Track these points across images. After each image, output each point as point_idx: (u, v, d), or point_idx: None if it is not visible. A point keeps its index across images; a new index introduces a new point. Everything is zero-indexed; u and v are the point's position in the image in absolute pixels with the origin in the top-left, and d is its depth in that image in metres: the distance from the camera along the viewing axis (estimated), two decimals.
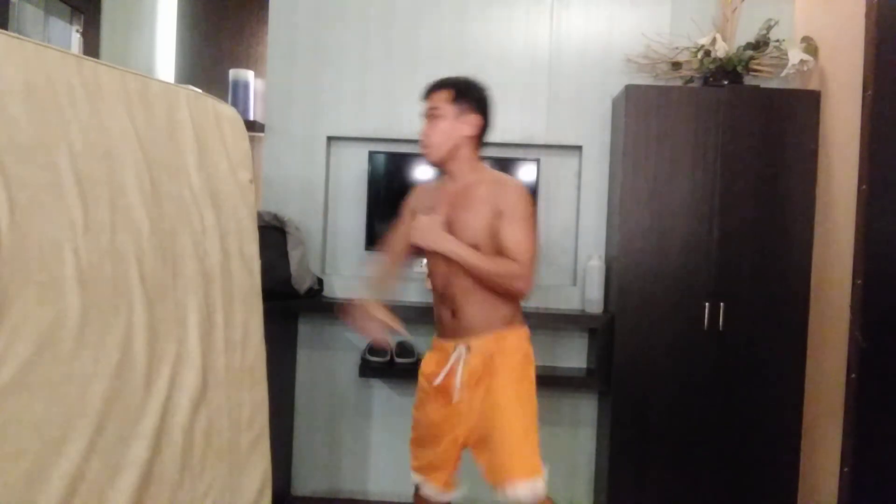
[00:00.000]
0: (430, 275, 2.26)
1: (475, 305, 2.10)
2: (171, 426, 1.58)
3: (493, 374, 2.09)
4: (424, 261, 3.28)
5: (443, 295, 2.18)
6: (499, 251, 2.03)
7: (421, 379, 2.25)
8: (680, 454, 2.93)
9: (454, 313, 2.14)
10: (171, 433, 1.58)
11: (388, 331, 2.18)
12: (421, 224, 2.09)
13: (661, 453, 2.95)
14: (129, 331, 1.46)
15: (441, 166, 2.18)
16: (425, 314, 3.17)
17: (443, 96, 2.11)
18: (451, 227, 2.08)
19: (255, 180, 3.27)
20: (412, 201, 2.35)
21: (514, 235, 2.01)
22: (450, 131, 2.11)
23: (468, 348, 2.10)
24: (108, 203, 1.42)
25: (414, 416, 2.28)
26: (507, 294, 2.08)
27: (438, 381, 2.12)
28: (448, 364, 2.11)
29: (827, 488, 2.77)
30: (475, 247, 2.04)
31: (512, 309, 2.15)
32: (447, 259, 2.08)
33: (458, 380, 2.09)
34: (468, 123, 2.12)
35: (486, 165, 2.24)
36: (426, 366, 2.23)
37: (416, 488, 2.30)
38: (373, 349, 3.16)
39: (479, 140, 2.18)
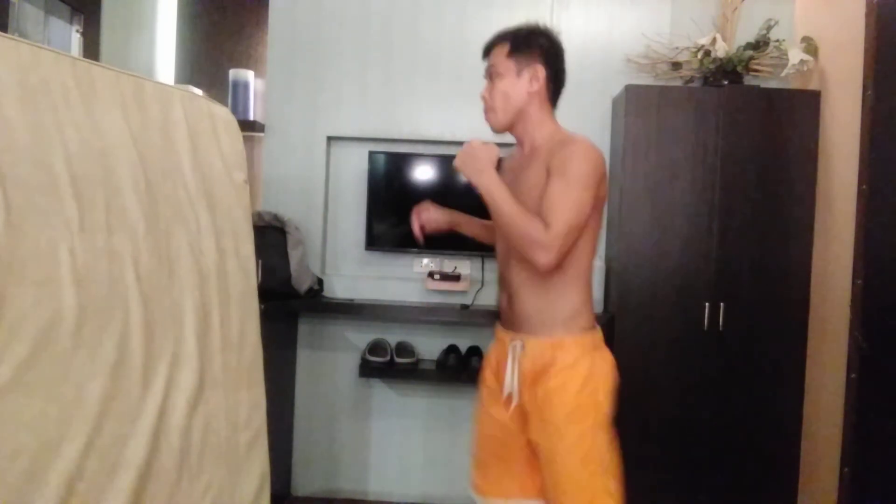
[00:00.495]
0: (496, 253, 1.99)
1: (531, 297, 1.80)
2: (168, 426, 1.58)
3: (547, 398, 1.76)
4: (425, 260, 3.31)
5: (502, 277, 1.91)
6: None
7: (486, 373, 1.96)
8: (680, 454, 2.93)
9: (509, 299, 1.86)
10: (169, 433, 1.58)
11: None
12: (470, 147, 1.77)
13: (661, 453, 2.94)
14: (125, 330, 1.46)
15: (508, 131, 1.89)
16: (425, 314, 3.18)
17: (500, 51, 1.85)
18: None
19: (255, 180, 3.31)
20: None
21: (553, 196, 1.67)
22: (510, 90, 1.82)
23: (523, 346, 1.80)
24: (104, 203, 1.43)
25: (477, 418, 1.98)
26: (564, 283, 1.78)
27: (508, 386, 1.81)
28: (508, 363, 1.82)
29: (827, 488, 2.77)
30: None
31: (578, 305, 1.81)
32: (505, 240, 1.83)
33: (515, 380, 1.80)
34: (531, 77, 1.82)
35: (559, 125, 1.89)
36: (490, 359, 1.96)
37: None
38: (373, 349, 3.16)
39: (550, 94, 1.87)
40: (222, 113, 1.82)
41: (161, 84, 1.67)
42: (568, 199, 1.67)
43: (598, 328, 1.89)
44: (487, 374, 1.96)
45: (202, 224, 1.69)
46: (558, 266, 1.71)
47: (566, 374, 1.76)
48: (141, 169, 1.53)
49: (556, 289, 1.78)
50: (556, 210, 1.66)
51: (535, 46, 1.86)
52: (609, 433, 1.80)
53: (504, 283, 1.90)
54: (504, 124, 1.88)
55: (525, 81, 1.83)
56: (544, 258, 1.65)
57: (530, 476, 1.86)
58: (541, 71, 1.84)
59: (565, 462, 1.74)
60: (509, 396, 1.82)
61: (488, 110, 1.88)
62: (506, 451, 1.88)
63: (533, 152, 1.84)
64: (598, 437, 1.78)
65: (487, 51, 1.90)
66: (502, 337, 1.90)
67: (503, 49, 1.85)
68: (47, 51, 1.36)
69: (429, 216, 2.09)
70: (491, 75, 1.87)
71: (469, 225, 2.18)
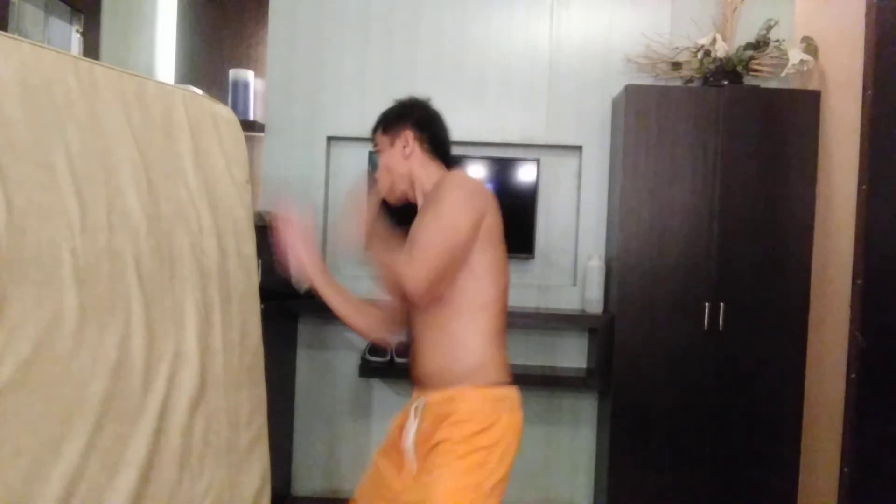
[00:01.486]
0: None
1: (431, 348, 1.72)
2: (169, 426, 1.58)
3: (430, 456, 1.64)
4: None
5: (408, 332, 1.84)
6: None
7: (391, 426, 1.89)
8: (680, 454, 2.93)
9: (414, 355, 1.78)
10: (170, 433, 1.58)
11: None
12: (293, 259, 1.79)
13: (661, 453, 2.95)
14: (126, 330, 1.46)
15: (407, 197, 1.90)
16: None
17: (377, 133, 1.90)
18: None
19: (255, 180, 3.30)
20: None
21: (422, 230, 1.68)
22: (389, 162, 1.87)
23: (425, 404, 1.71)
24: (106, 203, 1.43)
25: (373, 459, 1.89)
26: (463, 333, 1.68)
27: (406, 445, 1.71)
28: (409, 420, 1.73)
29: (827, 488, 2.77)
30: None
31: (478, 358, 1.68)
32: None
33: (408, 441, 1.70)
34: (403, 143, 1.85)
35: (446, 171, 1.88)
36: (401, 413, 1.87)
37: None
38: (373, 349, 3.16)
39: (430, 150, 1.87)
40: (224, 112, 1.82)
41: (163, 84, 1.67)
42: (435, 225, 1.66)
43: (513, 388, 1.71)
44: (394, 425, 1.86)
45: (204, 224, 1.69)
46: (451, 311, 1.67)
47: (459, 425, 1.62)
48: (143, 168, 1.53)
49: (455, 337, 1.69)
50: (422, 239, 1.65)
51: (402, 118, 1.88)
52: (488, 481, 1.59)
53: (409, 338, 1.82)
54: (398, 194, 1.89)
55: (399, 149, 1.86)
56: (412, 284, 1.57)
57: None
58: (408, 134, 1.85)
59: (441, 499, 1.57)
60: (406, 458, 1.72)
61: (381, 190, 1.89)
62: (380, 495, 1.79)
63: (427, 200, 1.82)
64: (479, 482, 1.58)
65: (373, 141, 1.94)
66: (411, 392, 1.85)
67: (378, 130, 1.91)
68: (49, 50, 1.36)
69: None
70: (379, 158, 1.91)
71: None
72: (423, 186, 1.85)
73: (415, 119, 1.88)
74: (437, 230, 1.64)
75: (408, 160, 1.85)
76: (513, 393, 1.70)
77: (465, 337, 1.69)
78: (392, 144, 1.87)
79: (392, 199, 1.90)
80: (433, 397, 1.69)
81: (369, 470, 1.87)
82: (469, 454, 1.58)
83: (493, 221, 1.72)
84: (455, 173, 1.81)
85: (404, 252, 1.67)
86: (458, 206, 1.67)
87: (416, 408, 1.72)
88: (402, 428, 1.76)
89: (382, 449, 1.86)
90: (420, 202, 1.87)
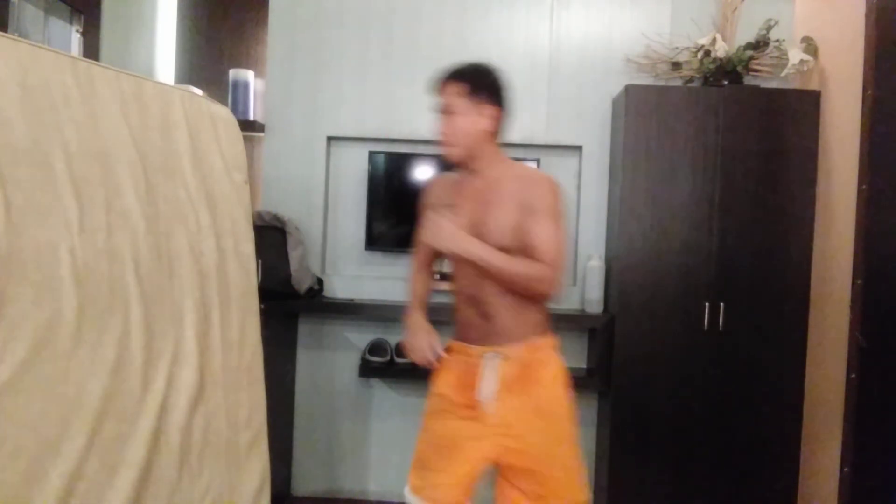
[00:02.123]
0: (455, 277, 2.08)
1: (508, 311, 1.94)
2: (168, 425, 1.58)
3: (535, 390, 1.93)
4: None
5: (471, 298, 2.00)
6: (525, 250, 1.87)
7: (441, 385, 2.04)
8: (680, 454, 2.93)
9: (485, 318, 1.97)
10: (169, 432, 1.58)
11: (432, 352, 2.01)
12: (434, 224, 1.90)
13: (661, 453, 2.94)
14: (125, 330, 1.46)
15: (463, 164, 2.02)
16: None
17: (456, 90, 1.96)
18: (477, 228, 1.92)
19: (255, 180, 3.30)
20: (431, 197, 2.14)
21: (541, 234, 1.86)
22: (468, 128, 1.94)
23: (502, 356, 1.93)
24: (104, 203, 1.43)
25: (426, 426, 2.05)
26: (532, 297, 1.92)
27: (484, 395, 1.92)
28: (482, 373, 1.93)
29: (827, 488, 2.77)
30: (503, 248, 1.87)
31: (543, 315, 2.00)
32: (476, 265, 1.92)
33: (488, 390, 1.92)
34: (486, 117, 1.95)
35: (508, 157, 2.06)
36: (448, 373, 2.03)
37: None
38: (373, 349, 3.16)
39: (499, 130, 2.01)
40: (222, 113, 1.82)
41: (161, 84, 1.67)
42: (555, 234, 1.87)
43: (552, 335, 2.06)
44: (444, 389, 2.02)
45: (202, 224, 1.69)
46: None
47: (549, 366, 1.98)
48: (141, 169, 1.53)
49: (527, 302, 1.94)
50: (548, 245, 1.85)
51: (489, 87, 1.98)
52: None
53: (475, 299, 1.99)
54: (460, 157, 1.99)
55: (481, 120, 1.95)
56: (548, 288, 1.86)
57: (465, 483, 1.96)
58: (494, 111, 1.97)
59: (562, 427, 1.96)
60: (479, 405, 1.94)
61: (446, 145, 1.98)
62: (453, 459, 1.95)
63: (492, 186, 1.96)
64: (572, 407, 2.01)
65: (441, 86, 2.01)
66: (468, 352, 2.00)
67: (459, 88, 1.97)
68: (47, 50, 1.36)
69: (431, 339, 2.05)
70: (446, 112, 1.98)
71: (426, 289, 2.29)
72: (488, 164, 1.99)
73: (498, 91, 1.99)
74: (556, 236, 1.88)
75: (485, 133, 1.97)
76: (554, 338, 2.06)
77: (535, 302, 1.95)
78: (475, 112, 1.95)
79: (454, 158, 2.00)
80: (511, 350, 1.94)
81: (426, 445, 2.03)
82: (565, 394, 2.00)
83: None
84: (546, 176, 1.97)
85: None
86: (561, 210, 1.92)
87: (492, 361, 1.94)
88: (459, 386, 1.98)
89: (433, 414, 2.05)
90: (481, 179, 1.99)
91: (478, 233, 1.91)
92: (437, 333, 2.04)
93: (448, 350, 2.07)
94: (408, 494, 2.03)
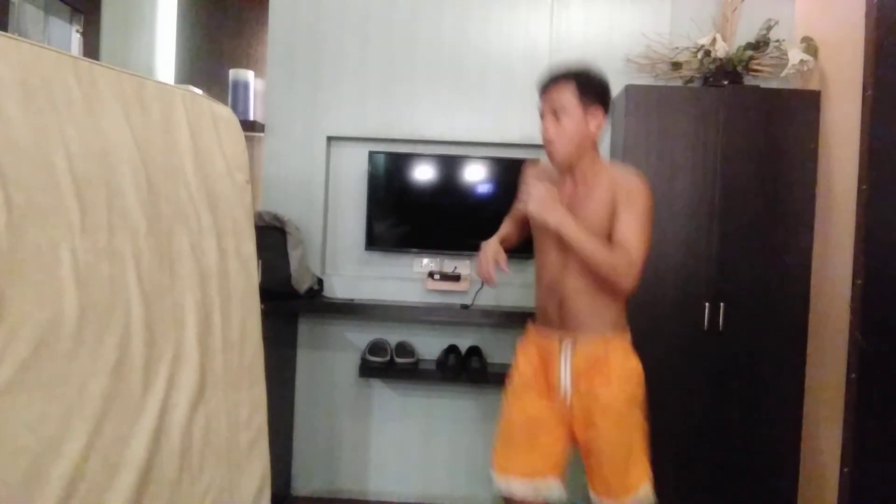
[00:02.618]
0: (538, 266, 2.13)
1: (585, 303, 1.99)
2: (169, 426, 1.58)
3: (599, 385, 1.99)
4: (425, 260, 3.31)
5: (551, 287, 2.05)
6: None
7: (523, 365, 2.10)
8: (680, 454, 2.93)
9: (562, 307, 2.02)
10: (170, 433, 1.58)
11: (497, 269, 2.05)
12: (538, 192, 1.90)
13: (661, 453, 2.92)
14: (126, 330, 1.46)
15: (566, 167, 2.02)
16: (425, 314, 3.18)
17: (567, 90, 1.94)
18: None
19: (255, 180, 3.30)
20: (533, 175, 2.13)
21: (627, 227, 1.89)
22: (578, 132, 1.94)
23: (576, 346, 1.99)
24: (105, 203, 1.43)
25: (508, 406, 2.10)
26: (611, 289, 1.95)
27: (562, 380, 2.01)
28: (560, 357, 2.00)
29: (827, 488, 2.77)
30: None
31: (620, 311, 2.05)
32: (561, 253, 1.98)
33: (565, 375, 2.00)
34: (595, 119, 1.95)
35: (604, 160, 2.08)
36: (528, 355, 2.10)
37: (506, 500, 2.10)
38: (373, 349, 3.16)
39: (601, 134, 2.03)
40: (224, 112, 1.82)
41: (162, 84, 1.67)
42: (641, 230, 1.90)
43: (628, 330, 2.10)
44: (526, 367, 2.10)
45: (203, 224, 1.69)
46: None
47: (622, 367, 2.02)
48: (142, 169, 1.53)
49: (604, 298, 1.99)
50: (633, 239, 1.88)
51: (598, 91, 1.97)
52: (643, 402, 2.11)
53: (555, 289, 2.03)
54: (567, 160, 1.99)
55: (590, 124, 1.95)
56: (628, 281, 1.89)
57: (553, 458, 2.05)
58: (602, 115, 1.97)
59: (629, 436, 2.05)
60: (555, 388, 2.03)
61: (553, 145, 1.97)
62: (537, 435, 2.04)
63: (588, 189, 1.99)
64: (642, 404, 2.10)
65: (548, 85, 1.99)
66: (547, 336, 2.05)
67: (569, 88, 1.94)
68: (49, 50, 1.36)
69: (496, 253, 2.08)
70: (555, 112, 1.96)
71: (511, 236, 2.29)
72: (589, 168, 2.00)
73: (606, 95, 2.00)
74: (642, 232, 1.90)
75: (591, 137, 1.97)
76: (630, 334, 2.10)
77: (613, 298, 2.00)
78: (584, 115, 1.95)
79: (560, 161, 2.00)
80: (585, 339, 1.99)
81: (511, 423, 2.09)
82: (635, 392, 2.07)
83: None
84: (636, 176, 1.99)
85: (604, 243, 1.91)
86: (649, 209, 1.93)
87: (567, 346, 2.00)
88: (539, 368, 2.06)
89: (512, 397, 2.10)
90: (578, 182, 2.02)
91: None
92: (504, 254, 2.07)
93: (529, 334, 2.15)
94: (496, 478, 2.07)
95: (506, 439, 2.09)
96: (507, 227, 2.26)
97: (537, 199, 1.90)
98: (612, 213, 1.92)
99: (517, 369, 2.13)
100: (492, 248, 2.05)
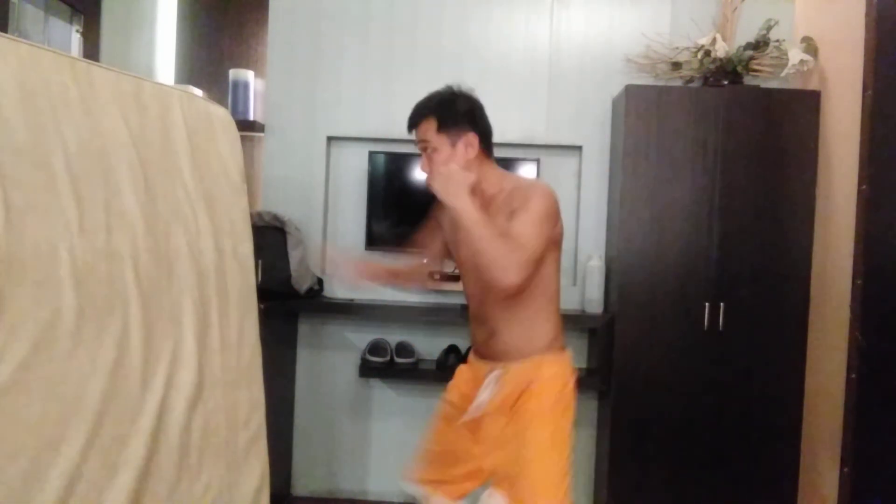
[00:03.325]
0: (466, 294, 2.09)
1: (513, 327, 1.94)
2: (168, 425, 1.58)
3: (527, 407, 1.90)
4: (425, 260, 3.31)
5: (478, 315, 2.01)
6: None
7: (454, 393, 2.09)
8: (680, 454, 2.93)
9: (490, 335, 1.98)
10: (168, 432, 1.58)
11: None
12: (448, 171, 1.82)
13: (661, 453, 2.95)
14: (125, 330, 1.46)
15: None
16: (425, 314, 3.18)
17: (428, 127, 1.93)
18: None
19: (256, 180, 3.31)
20: (439, 212, 2.17)
21: (520, 224, 1.79)
22: (449, 162, 1.90)
23: (503, 372, 1.93)
24: (103, 203, 1.43)
25: (436, 428, 2.10)
26: (499, 290, 1.83)
27: (477, 403, 1.94)
28: (482, 389, 1.95)
29: (827, 488, 2.77)
30: None
31: (553, 331, 1.97)
32: (480, 278, 1.88)
33: (482, 400, 1.93)
34: (464, 146, 1.92)
35: (502, 171, 2.04)
36: (461, 383, 2.08)
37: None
38: (373, 349, 3.16)
39: (484, 146, 1.97)
40: (220, 113, 1.82)
41: (160, 84, 1.67)
42: (533, 231, 1.79)
43: (567, 351, 2.03)
44: (454, 395, 2.08)
45: (201, 224, 1.69)
46: (530, 298, 1.90)
47: (549, 381, 1.92)
48: (140, 169, 1.53)
49: (533, 319, 1.94)
50: (524, 237, 1.77)
51: (460, 115, 1.93)
52: (569, 450, 1.96)
53: (481, 320, 2.00)
54: None
55: (462, 151, 1.92)
56: (510, 279, 1.73)
57: (463, 488, 2.03)
58: (472, 138, 1.93)
59: (543, 441, 1.88)
60: (474, 413, 1.96)
61: (430, 180, 1.90)
62: (452, 463, 2.03)
63: (488, 201, 1.94)
64: (567, 427, 1.95)
65: (413, 125, 1.98)
66: (478, 367, 2.03)
67: (431, 125, 1.93)
68: (46, 51, 1.36)
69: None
70: (425, 150, 1.95)
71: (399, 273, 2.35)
72: (482, 186, 1.94)
73: (475, 121, 1.96)
74: (534, 234, 1.80)
75: (470, 161, 1.93)
76: (569, 355, 2.03)
77: (539, 319, 1.95)
78: (453, 145, 1.92)
79: (437, 194, 1.91)
80: (514, 366, 1.92)
81: (431, 445, 2.09)
82: (562, 413, 1.93)
83: (559, 231, 1.95)
84: (540, 185, 1.96)
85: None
86: (546, 218, 1.85)
87: (495, 375, 1.93)
88: (464, 397, 2.01)
89: (443, 417, 2.08)
90: (478, 199, 1.90)
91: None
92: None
93: (468, 361, 2.13)
94: (406, 484, 2.09)
95: (424, 457, 2.11)
96: (404, 259, 2.32)
97: (443, 176, 1.81)
98: (510, 217, 1.85)
99: (446, 397, 2.11)
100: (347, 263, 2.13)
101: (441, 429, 2.09)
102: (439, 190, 1.81)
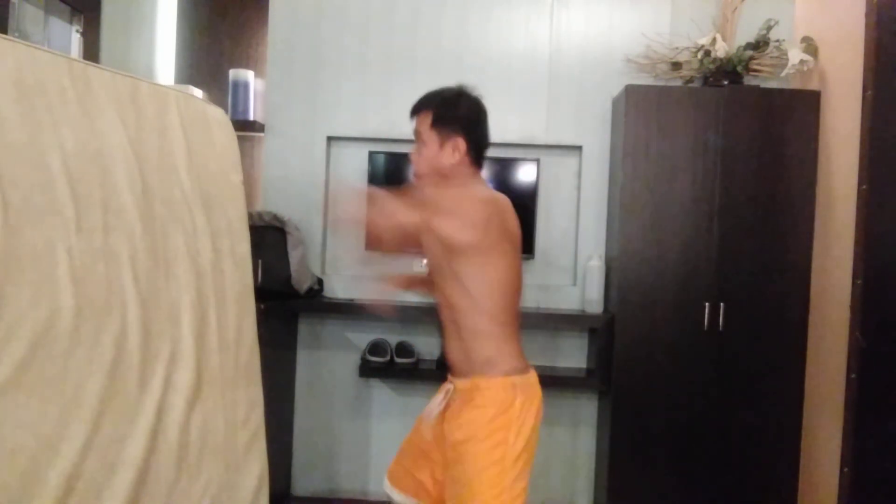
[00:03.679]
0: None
1: (454, 343, 1.91)
2: (166, 425, 1.58)
3: (457, 422, 1.86)
4: (425, 261, 3.30)
5: (441, 329, 2.00)
6: (455, 273, 1.83)
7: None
8: (680, 454, 2.93)
9: (447, 349, 1.97)
10: (167, 432, 1.58)
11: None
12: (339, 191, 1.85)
13: (661, 453, 2.94)
14: (123, 330, 1.46)
15: (434, 186, 1.97)
16: (426, 314, 3.18)
17: (424, 119, 1.95)
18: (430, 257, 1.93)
19: (255, 180, 3.31)
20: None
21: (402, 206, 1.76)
22: (432, 158, 1.92)
23: (452, 388, 1.92)
24: (101, 203, 1.43)
25: (413, 429, 2.11)
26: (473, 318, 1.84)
27: (428, 412, 1.96)
28: (433, 400, 1.97)
29: (827, 488, 2.77)
30: (440, 256, 1.85)
31: (490, 354, 1.85)
32: (443, 287, 1.89)
33: (432, 410, 1.95)
34: (452, 149, 1.91)
35: (482, 184, 2.02)
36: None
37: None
38: (373, 349, 3.16)
39: (473, 158, 1.95)
40: (217, 114, 1.82)
41: (157, 85, 1.68)
42: (400, 206, 1.74)
43: (527, 374, 1.90)
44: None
45: (198, 224, 1.69)
46: (468, 315, 1.85)
47: (480, 409, 1.82)
48: (137, 169, 1.54)
49: (470, 338, 1.86)
50: (392, 206, 1.74)
51: (456, 118, 1.93)
52: (517, 472, 1.81)
53: (441, 334, 2.00)
54: (426, 183, 1.98)
55: (448, 153, 1.91)
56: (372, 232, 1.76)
57: (430, 485, 2.00)
58: (461, 144, 1.91)
59: (475, 472, 1.79)
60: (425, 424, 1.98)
61: (415, 172, 1.98)
62: (419, 464, 2.02)
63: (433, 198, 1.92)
64: (504, 454, 1.80)
65: (414, 113, 2.00)
66: (448, 378, 2.01)
67: (427, 118, 1.94)
68: (43, 51, 1.36)
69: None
70: (416, 139, 1.97)
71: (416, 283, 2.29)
72: (451, 186, 1.93)
73: (469, 128, 1.94)
74: (398, 208, 1.73)
75: (451, 166, 1.92)
76: (526, 378, 1.88)
77: (478, 339, 1.86)
78: (441, 145, 1.92)
79: (420, 182, 1.98)
80: (459, 383, 1.90)
81: (412, 434, 2.08)
82: (490, 435, 1.79)
83: (497, 233, 1.83)
84: (478, 194, 1.89)
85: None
86: (447, 204, 1.80)
87: (448, 390, 1.93)
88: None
89: (418, 421, 2.06)
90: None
91: (432, 262, 1.93)
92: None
93: None
94: (386, 485, 2.13)
95: (400, 454, 2.12)
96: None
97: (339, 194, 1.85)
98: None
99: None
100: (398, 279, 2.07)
101: (417, 426, 2.09)
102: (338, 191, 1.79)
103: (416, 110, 1.99)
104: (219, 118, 1.81)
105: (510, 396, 1.82)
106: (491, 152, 3.22)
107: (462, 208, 1.80)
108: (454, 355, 1.92)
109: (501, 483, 1.77)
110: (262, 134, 3.34)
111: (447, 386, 1.95)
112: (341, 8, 3.30)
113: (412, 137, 3.33)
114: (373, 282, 2.13)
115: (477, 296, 1.84)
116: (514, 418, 1.81)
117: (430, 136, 1.92)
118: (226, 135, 1.81)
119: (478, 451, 1.79)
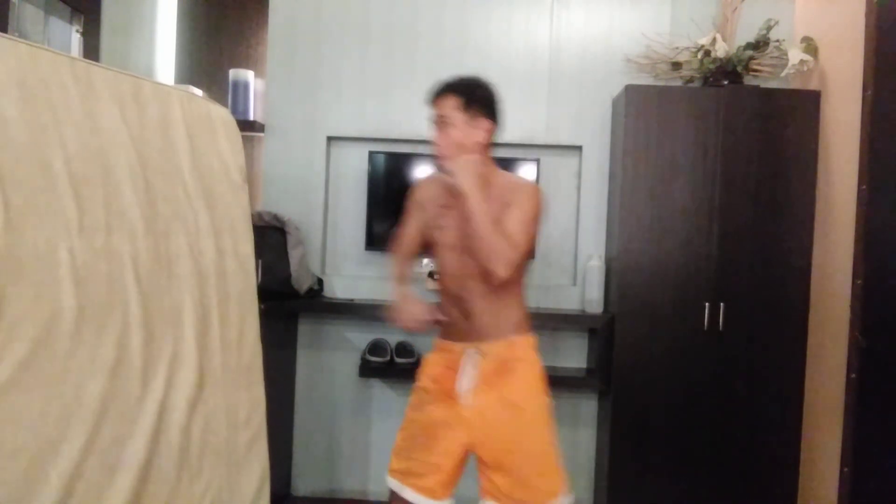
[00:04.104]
0: (441, 274, 2.16)
1: (489, 309, 2.04)
2: (168, 425, 1.58)
3: (508, 385, 2.01)
4: (425, 260, 3.30)
5: (455, 297, 2.09)
6: None
7: (424, 380, 2.15)
8: (680, 454, 2.93)
9: (467, 316, 2.06)
10: (169, 432, 1.58)
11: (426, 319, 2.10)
12: (466, 159, 1.98)
13: (661, 453, 2.94)
14: (124, 330, 1.46)
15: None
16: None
17: (451, 103, 2.02)
18: (466, 225, 1.99)
19: (256, 180, 3.31)
20: (418, 195, 2.27)
21: (514, 221, 1.95)
22: (462, 140, 2.01)
23: (481, 353, 2.03)
24: (103, 203, 1.43)
25: (408, 417, 2.17)
26: (490, 276, 1.96)
27: (463, 387, 2.03)
28: (462, 367, 2.04)
29: (827, 488, 2.77)
30: None
31: (523, 314, 2.10)
32: (463, 258, 2.02)
33: (466, 383, 2.03)
34: (480, 129, 2.02)
35: (495, 166, 2.13)
36: (431, 367, 2.15)
37: (392, 494, 2.13)
38: (373, 349, 3.16)
39: (491, 142, 2.09)
40: (221, 113, 1.82)
41: (159, 84, 1.67)
42: (526, 228, 1.97)
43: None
44: (426, 381, 2.15)
45: (201, 224, 1.69)
46: (509, 284, 2.00)
47: (528, 362, 2.07)
48: (140, 169, 1.53)
49: (508, 302, 2.06)
50: (517, 233, 1.94)
51: (483, 101, 2.04)
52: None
53: (457, 301, 2.09)
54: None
55: (475, 134, 2.03)
56: (504, 271, 1.91)
57: (448, 470, 2.04)
58: (488, 125, 2.04)
59: (535, 416, 2.03)
60: (457, 397, 2.05)
61: (442, 156, 2.05)
62: (437, 435, 2.06)
63: (483, 188, 2.01)
64: (548, 402, 2.07)
65: (436, 98, 2.07)
66: (451, 348, 2.11)
67: (454, 102, 2.02)
68: (46, 51, 1.36)
69: (422, 312, 2.14)
70: (441, 124, 2.04)
71: (407, 275, 2.34)
72: (484, 173, 2.04)
73: (494, 111, 2.07)
74: (526, 230, 1.97)
75: (476, 146, 2.03)
76: (534, 337, 2.14)
77: (513, 302, 2.08)
78: (469, 126, 2.02)
79: (446, 167, 2.06)
80: (490, 347, 2.04)
81: (403, 433, 2.16)
82: (542, 388, 2.07)
83: (539, 227, 2.08)
84: (530, 183, 2.23)
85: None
86: (537, 218, 2.02)
87: (472, 356, 2.04)
88: (441, 377, 2.10)
89: (415, 404, 2.17)
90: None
91: (465, 230, 1.98)
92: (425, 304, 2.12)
93: (435, 348, 2.18)
94: (389, 480, 2.12)
95: (401, 449, 2.14)
96: (399, 267, 2.29)
97: (463, 160, 1.98)
98: (503, 212, 1.98)
99: (418, 385, 2.18)
100: (417, 308, 2.10)
101: (411, 417, 2.16)
102: (456, 170, 1.97)
103: (442, 93, 2.06)
104: (223, 118, 1.81)
105: (536, 353, 2.10)
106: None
107: (529, 188, 2.06)
108: (485, 319, 2.04)
109: (552, 432, 2.04)
110: (262, 134, 3.34)
111: (470, 355, 2.04)
112: (341, 8, 3.30)
113: (412, 137, 3.35)
114: (403, 305, 2.14)
115: (521, 268, 2.04)
116: (542, 370, 2.08)
117: (459, 119, 2.01)
118: (230, 134, 1.81)
119: (539, 404, 2.04)
